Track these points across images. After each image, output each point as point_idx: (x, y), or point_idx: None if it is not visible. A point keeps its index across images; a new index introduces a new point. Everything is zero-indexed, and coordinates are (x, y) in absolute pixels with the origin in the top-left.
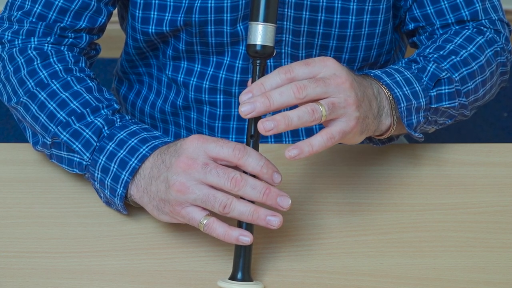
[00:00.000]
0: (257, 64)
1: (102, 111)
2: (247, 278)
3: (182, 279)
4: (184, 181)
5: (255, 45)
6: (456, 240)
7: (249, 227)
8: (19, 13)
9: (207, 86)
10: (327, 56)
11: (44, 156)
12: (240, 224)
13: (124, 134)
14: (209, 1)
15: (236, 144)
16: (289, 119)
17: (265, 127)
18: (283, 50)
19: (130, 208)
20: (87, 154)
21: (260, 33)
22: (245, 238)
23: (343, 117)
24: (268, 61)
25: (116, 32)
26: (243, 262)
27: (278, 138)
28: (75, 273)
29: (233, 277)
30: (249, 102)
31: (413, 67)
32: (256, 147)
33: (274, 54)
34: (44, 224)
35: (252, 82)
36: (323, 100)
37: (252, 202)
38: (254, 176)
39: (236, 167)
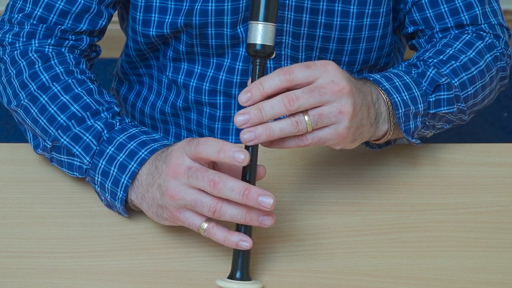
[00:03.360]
0: (257, 64)
1: (102, 114)
2: (245, 277)
3: (182, 279)
4: (174, 187)
5: (255, 44)
6: (456, 240)
7: (247, 228)
8: (20, 15)
9: (207, 87)
10: (329, 61)
11: (44, 156)
12: (238, 225)
13: (124, 138)
14: (210, 4)
15: (223, 142)
16: (271, 131)
17: (245, 138)
18: (283, 52)
19: (131, 209)
20: (87, 158)
21: (260, 33)
22: (245, 243)
23: (333, 125)
24: (268, 62)
25: (116, 32)
26: (242, 261)
27: None
28: (75, 273)
29: (231, 276)
30: (243, 113)
31: (413, 72)
32: (255, 147)
33: (274, 55)
34: (44, 224)
35: (252, 81)
36: (311, 110)
37: None
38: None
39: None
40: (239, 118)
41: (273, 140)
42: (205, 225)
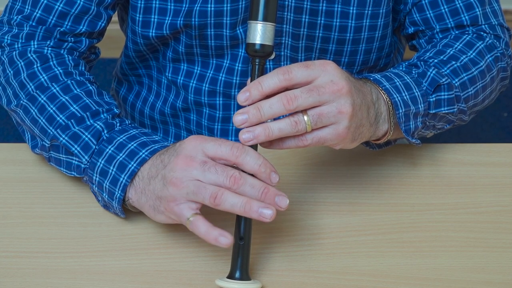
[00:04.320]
0: (256, 64)
1: (102, 115)
2: (245, 277)
3: (182, 279)
4: (181, 177)
5: (254, 44)
6: (456, 240)
7: (247, 226)
8: (19, 17)
9: (206, 88)
10: (328, 60)
11: (43, 156)
12: (238, 222)
13: (124, 138)
14: (209, 5)
15: (234, 143)
16: (270, 131)
17: (244, 138)
18: (283, 53)
19: (129, 210)
20: (86, 157)
21: (259, 32)
22: (224, 239)
23: (332, 125)
24: (268, 63)
25: (116, 33)
26: (241, 261)
27: None
28: (75, 273)
29: (231, 276)
30: (242, 113)
31: (413, 72)
32: (254, 147)
33: (274, 56)
34: (44, 224)
35: (251, 81)
36: (310, 110)
37: None
38: (251, 175)
39: (234, 167)
40: (237, 118)
41: (272, 140)
42: (192, 218)
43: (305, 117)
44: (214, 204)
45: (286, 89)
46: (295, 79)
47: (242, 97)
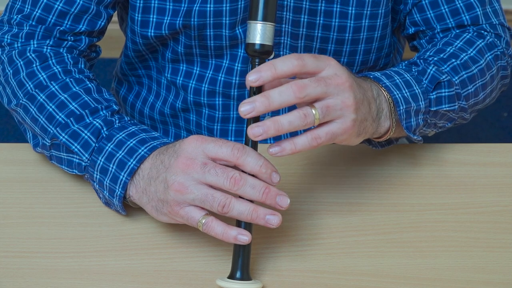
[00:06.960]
0: (256, 63)
1: (101, 112)
2: (246, 277)
3: (182, 279)
4: (183, 181)
5: (254, 44)
6: (456, 240)
7: (248, 226)
8: (19, 16)
9: (206, 88)
10: (331, 57)
11: (44, 156)
12: (239, 223)
13: (123, 135)
14: (208, 5)
15: (235, 143)
16: (280, 125)
17: (253, 133)
18: (282, 53)
19: (130, 208)
20: (86, 155)
21: (259, 32)
22: (244, 237)
23: (339, 119)
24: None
25: (116, 32)
26: (242, 261)
27: (278, 138)
28: (75, 273)
29: (231, 276)
30: (249, 102)
31: (413, 70)
32: (255, 147)
33: (273, 55)
34: (44, 224)
35: None
36: (317, 102)
37: (251, 201)
38: (252, 175)
39: (235, 167)
40: (244, 108)
41: (285, 144)
42: (204, 220)
43: (313, 110)
44: (222, 213)
45: (295, 76)
46: (306, 67)
47: (253, 76)
